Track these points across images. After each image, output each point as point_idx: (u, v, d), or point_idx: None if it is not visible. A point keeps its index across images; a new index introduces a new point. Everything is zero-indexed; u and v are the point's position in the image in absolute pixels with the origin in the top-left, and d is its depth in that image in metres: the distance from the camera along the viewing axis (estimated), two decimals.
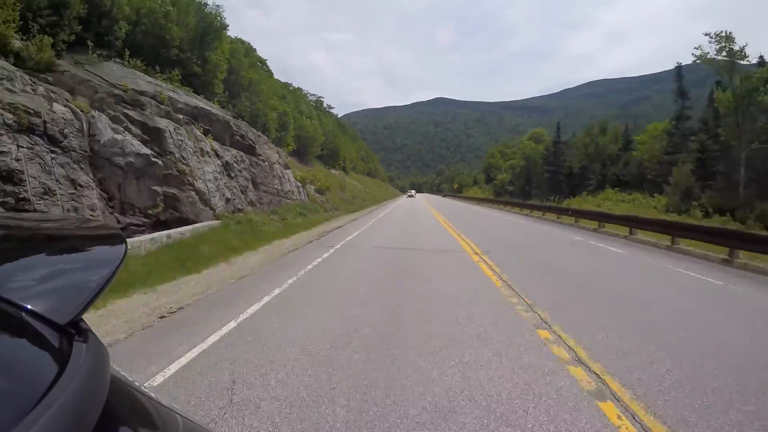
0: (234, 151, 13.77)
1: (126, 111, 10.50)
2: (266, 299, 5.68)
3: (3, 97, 8.61)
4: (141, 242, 8.54)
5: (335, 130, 48.19)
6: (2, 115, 8.27)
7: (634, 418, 2.68)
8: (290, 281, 6.83)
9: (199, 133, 12.04)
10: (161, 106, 11.40)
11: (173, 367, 3.43)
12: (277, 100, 27.31)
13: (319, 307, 5.28)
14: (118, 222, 9.22)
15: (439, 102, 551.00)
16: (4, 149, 7.70)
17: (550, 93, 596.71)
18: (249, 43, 29.39)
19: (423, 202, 46.50)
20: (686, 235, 11.65)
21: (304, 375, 3.25)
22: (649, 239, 13.10)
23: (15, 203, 7.60)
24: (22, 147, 8.28)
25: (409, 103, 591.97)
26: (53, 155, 8.65)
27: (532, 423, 2.60)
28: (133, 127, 10.23)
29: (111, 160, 9.41)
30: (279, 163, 18.40)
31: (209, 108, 14.26)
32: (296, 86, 46.59)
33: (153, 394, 0.58)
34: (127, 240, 4.55)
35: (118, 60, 15.63)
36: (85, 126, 9.53)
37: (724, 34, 26.85)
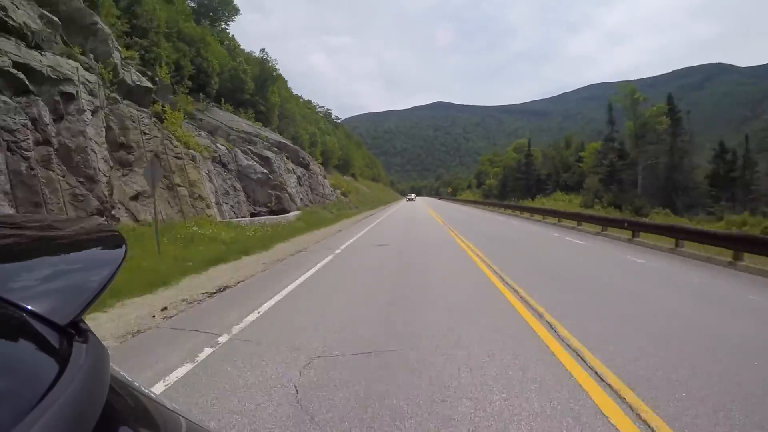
0: (301, 169, 21.36)
1: (248, 147, 18.08)
2: (348, 243, 13.03)
3: (197, 141, 16.19)
4: (262, 220, 15.99)
5: (348, 144, 56.20)
6: (200, 151, 15.84)
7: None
8: (358, 235, 14.30)
9: (285, 158, 19.60)
10: (263, 142, 18.96)
11: (310, 272, 10.72)
12: (307, 123, 35.01)
13: (372, 246, 12.69)
14: (254, 210, 16.72)
15: (439, 106, 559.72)
16: (204, 171, 15.21)
17: (549, 96, 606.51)
18: (283, 77, 37.10)
19: (421, 203, 54.73)
20: (589, 220, 19.02)
21: (365, 274, 10.43)
22: (567, 224, 20.50)
23: (210, 201, 15.06)
24: (211, 169, 15.82)
25: (409, 107, 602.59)
26: (225, 173, 16.16)
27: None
28: (254, 157, 17.81)
29: (248, 176, 16.97)
30: (320, 175, 26.06)
31: (286, 141, 22.02)
32: (306, 98, 54.43)
33: (153, 395, 0.60)
34: (258, 218, 13.01)
35: (215, 104, 23.22)
36: (232, 156, 17.05)
37: (629, 87, 37.44)
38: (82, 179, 8.07)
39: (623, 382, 3.08)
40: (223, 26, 32.18)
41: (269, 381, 3.08)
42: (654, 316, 5.01)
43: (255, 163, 17.20)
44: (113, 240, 0.66)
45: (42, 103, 7.74)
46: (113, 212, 8.65)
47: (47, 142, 7.56)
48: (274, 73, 26.73)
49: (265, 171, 17.22)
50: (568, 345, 3.88)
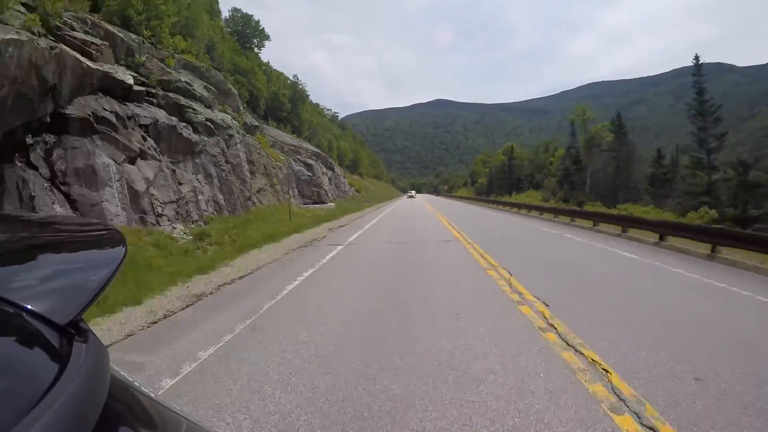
0: (330, 172, 28.41)
1: (296, 156, 25.19)
2: (369, 225, 20.11)
3: (278, 155, 23.25)
4: (313, 207, 23.05)
5: (357, 148, 63.51)
6: (280, 162, 22.91)
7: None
8: (377, 218, 21.37)
9: (320, 164, 26.70)
10: (305, 152, 26.05)
11: (369, 225, 17.94)
12: (325, 131, 42.10)
13: (384, 227, 19.82)
14: (303, 202, 23.84)
15: (439, 104, 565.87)
16: (281, 175, 22.35)
17: (549, 95, 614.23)
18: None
19: (420, 199, 62.28)
20: (541, 209, 25.99)
21: (381, 246, 17.73)
22: (534, 215, 27.53)
23: (278, 200, 22.19)
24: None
25: (409, 104, 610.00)
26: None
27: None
28: (301, 164, 24.92)
29: (299, 177, 24.09)
30: (341, 175, 33.16)
31: (319, 151, 29.06)
32: (315, 101, 61.54)
33: (153, 395, 0.61)
34: (312, 206, 20.91)
35: (263, 121, 30.25)
36: (288, 163, 24.12)
37: (580, 108, 44.97)
38: (240, 181, 15.18)
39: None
40: (256, 50, 39.23)
41: (374, 252, 10.23)
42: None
43: (302, 168, 24.24)
44: (113, 239, 0.68)
45: (220, 139, 14.83)
46: (252, 200, 15.77)
47: (227, 162, 14.68)
48: (304, 93, 33.82)
49: (309, 174, 24.26)
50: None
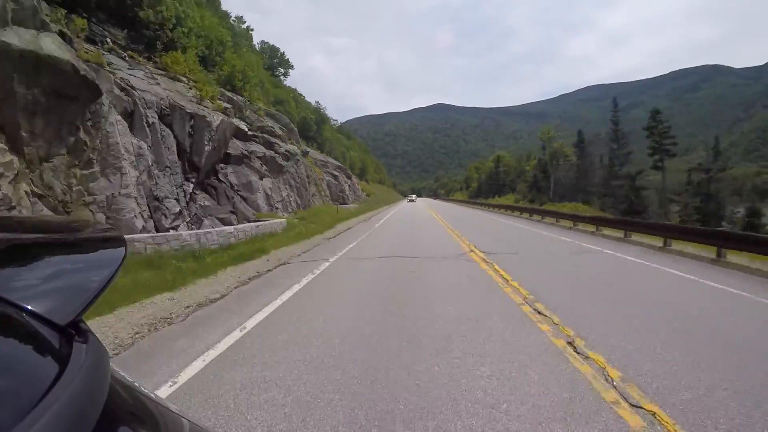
0: (349, 180, 36.76)
1: (325, 170, 33.74)
2: (385, 218, 28.50)
3: (314, 170, 31.81)
4: (338, 206, 31.44)
5: (363, 156, 72.20)
6: (321, 175, 31.48)
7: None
8: (390, 214, 29.75)
9: (343, 174, 35.13)
10: (331, 165, 34.53)
11: (388, 215, 26.36)
12: (339, 145, 50.57)
13: (393, 221, 28.25)
14: (332, 201, 32.33)
15: (439, 108, 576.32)
16: (322, 184, 30.90)
17: (548, 98, 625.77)
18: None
19: (420, 203, 71.14)
20: (514, 209, 34.29)
21: (392, 234, 26.11)
22: (515, 215, 35.85)
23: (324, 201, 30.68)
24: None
25: (409, 109, 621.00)
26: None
27: (431, 227, 25.58)
28: (330, 176, 33.44)
29: (328, 185, 32.58)
30: (356, 183, 41.54)
31: (341, 164, 37.51)
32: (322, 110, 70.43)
33: (154, 395, 0.61)
34: (340, 206, 30.33)
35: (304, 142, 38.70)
36: (323, 176, 32.55)
37: (546, 128, 53.89)
38: (304, 189, 23.58)
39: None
40: (281, 78, 47.84)
41: (398, 224, 18.64)
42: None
43: (330, 178, 32.54)
44: (113, 240, 0.69)
45: (293, 163, 23.23)
46: (310, 202, 24.15)
47: (298, 177, 23.12)
48: (325, 115, 42.32)
49: (335, 182, 32.54)
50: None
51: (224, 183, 15.22)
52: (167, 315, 4.94)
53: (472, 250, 11.03)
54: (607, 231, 15.62)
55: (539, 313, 4.88)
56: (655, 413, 2.64)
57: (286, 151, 22.10)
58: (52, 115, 9.50)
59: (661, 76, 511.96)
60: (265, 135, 21.21)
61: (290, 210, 19.45)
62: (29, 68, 8.95)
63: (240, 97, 21.74)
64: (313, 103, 44.47)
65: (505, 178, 66.02)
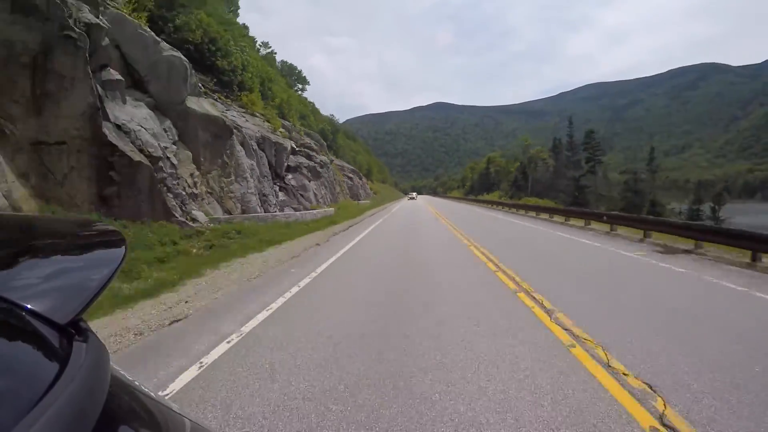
0: (360, 181, 44.41)
1: (343, 172, 41.51)
2: (394, 209, 36.18)
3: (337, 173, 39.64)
4: (356, 202, 39.16)
5: (369, 158, 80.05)
6: (341, 178, 39.31)
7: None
8: (398, 206, 37.39)
9: (356, 177, 42.85)
10: (347, 169, 42.31)
11: (397, 207, 34.04)
12: (349, 149, 58.23)
13: (394, 219, 35.99)
14: (350, 197, 40.16)
15: (438, 107, 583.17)
16: (344, 184, 38.76)
17: (548, 96, 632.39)
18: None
19: (419, 200, 79.19)
20: (499, 204, 41.93)
21: (402, 216, 33.81)
22: (493, 207, 43.50)
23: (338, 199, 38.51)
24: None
25: (409, 108, 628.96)
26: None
27: (424, 215, 33.30)
28: (347, 177, 41.23)
29: (352, 186, 40.38)
30: (366, 183, 49.16)
31: (355, 168, 45.21)
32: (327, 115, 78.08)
33: (154, 395, 0.62)
34: (356, 202, 39.12)
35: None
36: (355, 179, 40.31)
37: (523, 137, 61.73)
38: (332, 188, 31.25)
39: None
40: (299, 93, 55.41)
41: (405, 212, 26.34)
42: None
43: (347, 180, 40.10)
44: (113, 240, 0.70)
45: (325, 170, 30.86)
46: (337, 198, 31.79)
47: (328, 180, 30.81)
48: (339, 126, 49.91)
49: (351, 183, 40.08)
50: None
51: (290, 185, 22.82)
52: (313, 243, 12.58)
53: (444, 217, 18.55)
54: (544, 215, 23.47)
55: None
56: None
57: (321, 161, 29.72)
58: (213, 147, 17.13)
59: (660, 74, 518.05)
60: (306, 149, 28.79)
61: (328, 203, 27.09)
62: (202, 122, 16.60)
63: (288, 122, 29.33)
64: (328, 115, 52.06)
65: (495, 177, 74.42)
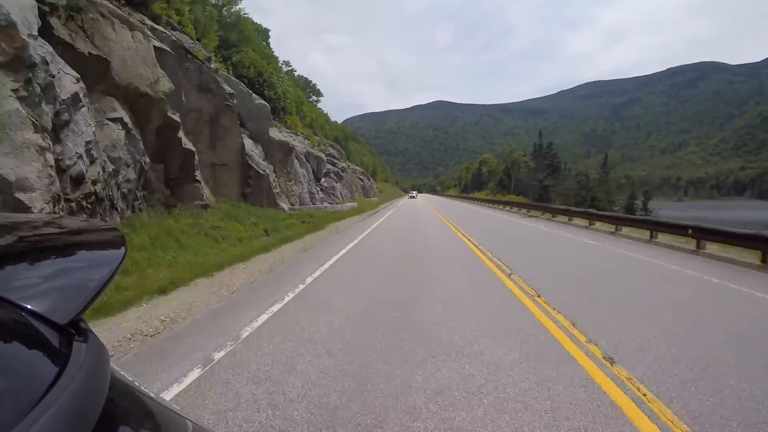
0: (369, 181, 52.80)
1: (356, 174, 50.11)
2: (400, 203, 44.67)
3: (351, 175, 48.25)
4: (368, 199, 47.69)
5: (374, 159, 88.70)
6: (354, 178, 47.92)
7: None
8: (401, 202, 46.01)
9: (366, 178, 51.36)
10: (359, 171, 50.86)
11: (401, 201, 42.62)
12: (356, 153, 66.76)
13: (401, 210, 44.52)
14: (364, 195, 48.79)
15: (438, 105, 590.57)
16: (358, 183, 47.37)
17: (547, 95, 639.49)
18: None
19: (419, 198, 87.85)
20: (489, 202, 50.34)
21: (407, 207, 42.32)
22: (482, 203, 51.96)
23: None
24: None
25: (409, 106, 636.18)
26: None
27: (421, 203, 41.89)
28: (359, 178, 49.79)
29: (363, 186, 49.00)
30: (373, 182, 57.61)
31: (364, 170, 53.70)
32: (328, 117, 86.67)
33: (154, 395, 0.62)
34: (369, 198, 48.82)
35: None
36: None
37: (508, 143, 70.24)
38: (350, 187, 39.72)
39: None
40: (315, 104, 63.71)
41: (410, 207, 34.87)
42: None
43: (360, 180, 48.42)
44: (113, 240, 0.70)
45: (345, 173, 39.31)
46: (354, 194, 40.25)
47: (347, 181, 39.34)
48: (352, 133, 58.33)
49: (362, 183, 48.38)
50: (448, 220, 35.48)
51: (324, 186, 31.24)
52: (360, 219, 21.07)
53: (437, 210, 27.00)
54: (515, 209, 31.99)
55: (452, 226, 20.95)
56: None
57: (342, 166, 38.15)
58: (282, 162, 25.50)
59: (658, 72, 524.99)
60: (332, 158, 37.14)
61: (349, 200, 35.51)
62: (277, 145, 25.00)
63: (317, 137, 37.73)
64: (340, 123, 60.14)
65: (486, 177, 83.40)
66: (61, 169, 7.18)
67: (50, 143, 6.91)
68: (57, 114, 7.36)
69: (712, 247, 11.33)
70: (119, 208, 9.19)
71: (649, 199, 53.16)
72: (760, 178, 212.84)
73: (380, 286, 6.82)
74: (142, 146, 11.06)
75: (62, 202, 6.96)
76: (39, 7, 7.63)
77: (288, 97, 35.40)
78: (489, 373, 3.38)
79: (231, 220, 13.78)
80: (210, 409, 2.82)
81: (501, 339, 4.17)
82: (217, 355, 3.75)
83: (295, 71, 57.36)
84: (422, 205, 39.60)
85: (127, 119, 10.27)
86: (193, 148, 14.07)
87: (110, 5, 11.77)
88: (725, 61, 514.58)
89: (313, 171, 28.93)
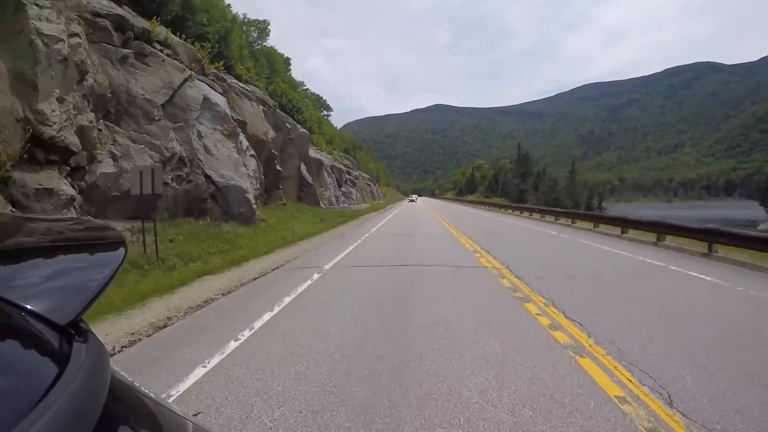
0: (375, 186, 62.32)
1: (368, 182, 59.77)
2: (402, 205, 54.12)
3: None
4: (375, 201, 57.23)
5: (378, 167, 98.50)
6: (362, 183, 57.69)
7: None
8: (402, 204, 55.54)
9: (372, 183, 60.99)
10: (366, 177, 60.54)
11: (403, 203, 52.14)
12: (361, 160, 76.51)
13: (404, 209, 54.09)
14: (371, 198, 58.46)
15: (437, 109, 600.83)
16: (367, 188, 57.08)
17: (545, 97, 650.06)
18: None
19: (419, 201, 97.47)
20: (482, 203, 59.80)
21: (408, 209, 51.88)
22: (475, 205, 61.51)
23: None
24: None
25: (408, 110, 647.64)
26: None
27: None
28: (366, 183, 59.48)
29: (371, 190, 58.73)
30: (378, 187, 67.16)
31: (371, 177, 63.34)
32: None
33: (154, 396, 0.63)
34: (376, 201, 59.36)
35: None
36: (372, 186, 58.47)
37: (497, 158, 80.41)
38: (362, 192, 49.32)
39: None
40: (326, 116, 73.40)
41: (409, 210, 44.49)
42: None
43: (367, 185, 57.75)
44: (113, 240, 0.71)
45: (357, 180, 48.90)
46: (365, 198, 49.84)
47: (359, 187, 48.98)
48: (360, 143, 67.96)
49: (370, 188, 57.75)
50: (437, 214, 45.03)
51: (344, 191, 40.77)
52: (378, 213, 30.61)
53: (431, 209, 36.56)
54: (495, 208, 41.58)
55: (441, 217, 30.48)
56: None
57: (355, 175, 47.73)
58: (316, 174, 35.13)
59: (655, 73, 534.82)
60: (347, 168, 46.60)
61: (362, 202, 45.02)
62: (313, 162, 34.69)
63: (336, 151, 47.32)
64: (340, 127, 69.49)
65: (479, 181, 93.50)
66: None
67: (246, 170, 16.56)
68: (242, 154, 17.04)
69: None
70: (257, 203, 18.78)
71: (602, 200, 63.19)
72: (749, 179, 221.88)
73: (400, 230, 16.32)
74: (261, 169, 20.61)
75: (259, 197, 16.59)
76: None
77: (312, 119, 45.05)
78: (431, 235, 12.78)
79: (299, 212, 23.26)
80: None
81: (448, 249, 13.60)
82: (341, 255, 13.21)
83: (308, 89, 67.06)
84: (420, 206, 49.02)
85: (255, 155, 19.81)
86: (281, 168, 23.63)
87: (238, 85, 21.44)
88: (721, 62, 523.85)
89: (336, 179, 38.49)
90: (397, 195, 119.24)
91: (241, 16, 40.92)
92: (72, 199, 9.25)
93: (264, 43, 43.24)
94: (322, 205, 30.90)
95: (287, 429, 2.66)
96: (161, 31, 14.82)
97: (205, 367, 3.66)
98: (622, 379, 3.35)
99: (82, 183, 10.25)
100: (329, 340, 4.26)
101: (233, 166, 14.96)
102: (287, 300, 6.10)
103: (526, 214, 32.13)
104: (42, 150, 9.26)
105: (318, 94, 74.37)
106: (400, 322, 4.87)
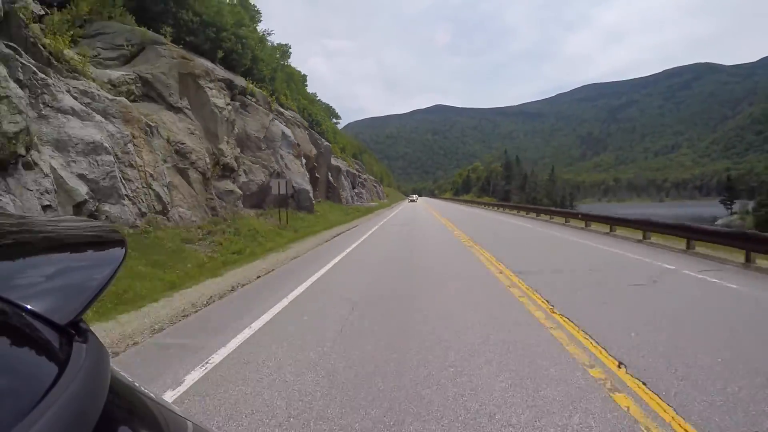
0: (379, 187, 71.36)
1: (374, 184, 69.05)
2: (403, 205, 63.35)
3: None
4: (381, 200, 66.41)
5: (381, 168, 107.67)
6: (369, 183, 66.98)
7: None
8: (403, 204, 64.88)
9: (378, 185, 70.15)
10: (372, 179, 69.77)
11: (403, 204, 61.33)
12: (366, 163, 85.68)
13: (399, 213, 63.29)
14: (378, 198, 67.74)
15: (438, 109, 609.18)
16: (374, 189, 66.34)
17: (544, 98, 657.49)
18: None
19: (419, 201, 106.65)
20: (478, 203, 68.78)
21: (409, 207, 61.03)
22: (470, 204, 70.59)
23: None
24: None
25: (409, 110, 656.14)
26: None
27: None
28: (373, 184, 68.80)
29: (376, 191, 68.00)
30: (382, 188, 76.28)
31: (375, 179, 72.59)
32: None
33: (154, 396, 0.63)
34: (381, 200, 69.46)
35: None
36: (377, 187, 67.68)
37: (487, 157, 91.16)
38: (370, 191, 58.57)
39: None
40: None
41: (411, 210, 53.73)
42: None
43: (374, 186, 66.74)
44: (113, 240, 0.71)
45: (366, 182, 58.11)
46: (373, 197, 59.07)
47: (368, 187, 58.23)
48: (365, 147, 77.10)
49: (375, 189, 66.75)
50: (434, 210, 54.15)
51: (356, 192, 49.80)
52: (388, 208, 39.79)
53: (431, 207, 45.76)
54: (485, 206, 50.77)
55: (436, 213, 39.64)
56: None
57: (364, 178, 56.84)
58: (336, 178, 44.28)
59: (655, 74, 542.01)
60: (357, 171, 55.53)
61: (368, 200, 54.08)
62: (335, 168, 43.91)
63: (349, 158, 56.42)
64: (341, 128, 79.10)
65: (475, 182, 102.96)
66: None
67: (307, 179, 25.80)
68: (304, 167, 26.29)
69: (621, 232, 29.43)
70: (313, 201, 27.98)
71: (574, 199, 72.61)
72: (741, 179, 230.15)
73: (406, 217, 25.49)
74: (308, 176, 29.70)
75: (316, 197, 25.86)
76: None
77: (328, 130, 54.18)
78: (420, 211, 21.84)
79: (331, 208, 32.30)
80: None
81: (435, 232, 22.66)
82: (376, 226, 22.31)
83: (320, 99, 76.23)
84: (420, 206, 58.07)
85: (304, 165, 28.87)
86: (318, 176, 32.72)
87: (290, 115, 30.56)
88: (720, 62, 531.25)
89: (351, 182, 47.63)
90: (398, 195, 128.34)
91: (270, 43, 49.96)
92: (239, 196, 18.36)
93: (284, 63, 52.28)
94: (343, 203, 39.97)
95: (378, 269, 12.03)
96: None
97: (329, 263, 11.93)
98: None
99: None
100: (380, 253, 13.23)
101: (301, 177, 24.06)
102: (361, 239, 15.26)
103: (506, 210, 41.30)
104: (222, 169, 18.37)
105: (328, 104, 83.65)
106: (408, 244, 13.97)
